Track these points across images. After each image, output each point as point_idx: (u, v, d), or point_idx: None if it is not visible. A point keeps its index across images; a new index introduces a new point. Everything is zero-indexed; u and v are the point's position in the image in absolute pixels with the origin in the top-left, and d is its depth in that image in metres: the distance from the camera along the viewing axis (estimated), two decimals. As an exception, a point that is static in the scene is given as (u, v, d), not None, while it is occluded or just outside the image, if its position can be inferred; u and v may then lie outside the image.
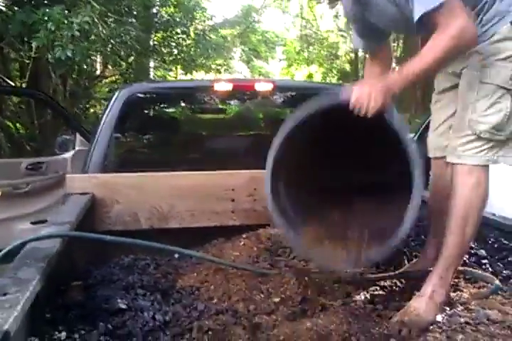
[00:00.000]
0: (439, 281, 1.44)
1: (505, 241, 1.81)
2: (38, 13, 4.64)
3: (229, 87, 3.01)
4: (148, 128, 3.44)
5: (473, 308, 1.31)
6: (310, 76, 20.92)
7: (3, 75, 8.17)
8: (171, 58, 10.43)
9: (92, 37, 5.30)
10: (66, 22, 4.54)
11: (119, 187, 2.34)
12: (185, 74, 15.12)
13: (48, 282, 1.25)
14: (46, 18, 4.59)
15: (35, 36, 4.77)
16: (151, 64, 12.40)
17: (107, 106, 2.79)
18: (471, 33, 1.46)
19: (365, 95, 1.44)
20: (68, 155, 3.90)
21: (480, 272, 1.54)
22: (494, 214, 1.95)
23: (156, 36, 9.90)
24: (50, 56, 5.05)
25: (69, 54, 4.32)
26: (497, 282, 1.42)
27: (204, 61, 12.29)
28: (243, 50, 20.61)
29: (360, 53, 20.60)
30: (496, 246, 1.79)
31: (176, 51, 9.98)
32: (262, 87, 3.06)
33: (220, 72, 13.86)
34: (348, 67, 20.48)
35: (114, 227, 2.27)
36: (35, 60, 7.64)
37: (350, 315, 1.35)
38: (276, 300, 1.50)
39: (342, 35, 21.15)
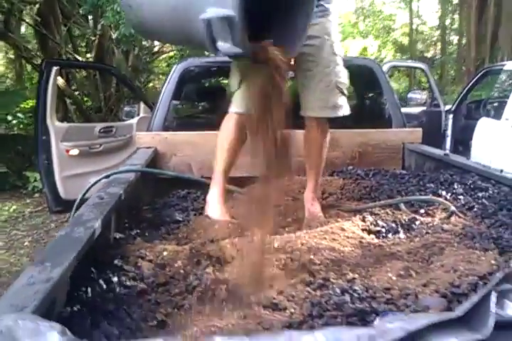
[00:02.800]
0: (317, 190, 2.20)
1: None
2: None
3: None
4: (200, 96, 3.99)
5: (435, 224, 1.77)
6: (364, 49, 20.83)
7: (72, 51, 8.93)
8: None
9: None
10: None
11: (177, 143, 2.90)
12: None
13: (127, 201, 1.81)
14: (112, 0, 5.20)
15: (104, 16, 5.40)
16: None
17: (166, 78, 3.35)
18: None
19: None
20: (133, 121, 4.54)
21: (440, 199, 1.98)
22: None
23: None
24: (115, 33, 5.66)
25: (132, 31, 4.88)
26: (452, 207, 1.87)
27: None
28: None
29: (414, 25, 20.54)
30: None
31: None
32: None
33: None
34: (404, 39, 20.33)
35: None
36: (100, 37, 8.34)
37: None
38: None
39: (399, 7, 20.95)
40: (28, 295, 0.93)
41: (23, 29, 10.54)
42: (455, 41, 17.36)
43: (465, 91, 5.46)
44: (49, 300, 0.95)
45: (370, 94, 4.30)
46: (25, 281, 1.03)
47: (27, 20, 8.70)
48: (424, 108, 5.57)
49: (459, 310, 0.76)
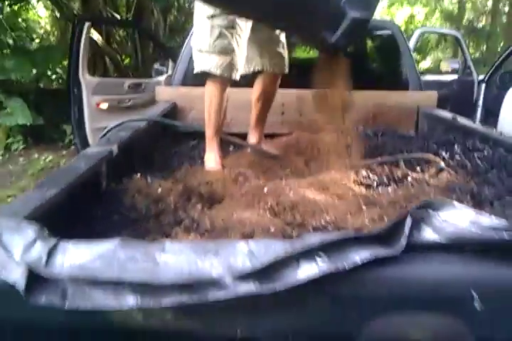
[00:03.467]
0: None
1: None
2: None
3: None
4: None
5: (423, 179, 1.85)
6: (412, 17, 20.20)
7: (113, 10, 9.05)
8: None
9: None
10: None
11: (195, 98, 3.01)
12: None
13: (134, 145, 1.95)
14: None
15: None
16: None
17: (188, 35, 3.43)
18: None
19: None
20: (162, 78, 4.66)
21: (431, 156, 2.05)
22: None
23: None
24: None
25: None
26: (442, 164, 1.94)
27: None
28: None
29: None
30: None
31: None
32: None
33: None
34: (454, 7, 19.58)
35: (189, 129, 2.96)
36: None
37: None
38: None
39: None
40: (21, 206, 1.08)
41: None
42: (506, 10, 16.63)
43: (499, 61, 5.33)
44: (41, 211, 1.09)
45: (389, 57, 4.25)
46: (22, 198, 1.18)
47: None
48: (457, 77, 5.49)
49: (376, 230, 0.86)
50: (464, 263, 0.86)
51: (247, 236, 1.35)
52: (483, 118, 5.38)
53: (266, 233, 1.37)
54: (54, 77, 7.10)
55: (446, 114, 2.70)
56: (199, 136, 2.48)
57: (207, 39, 2.16)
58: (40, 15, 11.77)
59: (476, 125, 2.35)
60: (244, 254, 0.83)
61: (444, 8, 19.83)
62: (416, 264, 0.85)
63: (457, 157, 2.10)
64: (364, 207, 1.63)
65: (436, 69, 6.15)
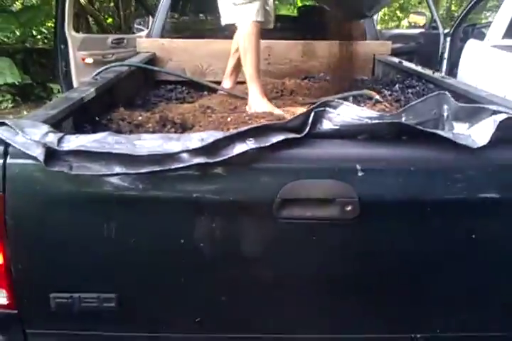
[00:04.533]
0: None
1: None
2: None
3: None
4: (194, 8, 4.35)
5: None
6: None
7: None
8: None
9: None
10: None
11: (173, 49, 3.32)
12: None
13: (115, 86, 2.28)
14: None
15: None
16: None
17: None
18: None
19: None
20: (143, 33, 4.92)
21: (368, 92, 2.41)
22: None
23: None
24: None
25: None
26: (377, 97, 2.30)
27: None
28: None
29: None
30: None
31: None
32: None
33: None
34: None
35: (169, 77, 3.27)
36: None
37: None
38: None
39: None
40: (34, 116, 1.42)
41: None
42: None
43: (463, 14, 5.61)
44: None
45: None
46: (33, 114, 1.52)
47: None
48: (423, 30, 5.78)
49: (288, 120, 1.23)
50: (350, 144, 1.23)
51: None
52: (449, 70, 5.71)
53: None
54: (39, 37, 7.27)
55: (395, 60, 3.04)
56: (177, 81, 2.80)
57: None
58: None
59: (417, 67, 2.70)
60: (197, 139, 1.19)
61: None
62: (315, 145, 1.22)
63: (395, 93, 2.46)
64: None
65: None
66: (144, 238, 1.23)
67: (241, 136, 1.18)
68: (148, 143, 1.18)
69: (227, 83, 2.96)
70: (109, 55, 4.65)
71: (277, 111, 2.26)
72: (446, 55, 5.76)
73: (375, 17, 5.61)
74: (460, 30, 5.60)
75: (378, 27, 16.94)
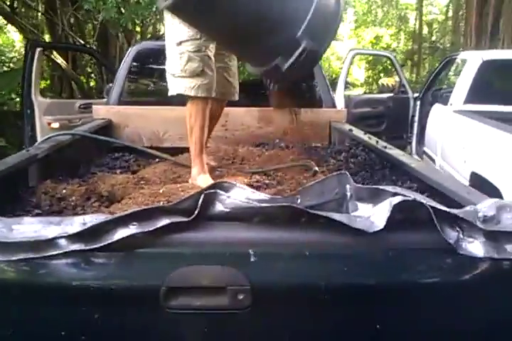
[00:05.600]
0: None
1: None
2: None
3: None
4: (151, 74, 4.42)
5: (299, 181, 2.18)
6: (377, 38, 20.92)
7: (79, 36, 9.40)
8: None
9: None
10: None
11: (129, 116, 3.33)
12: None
13: (55, 157, 2.25)
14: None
15: (84, 1, 5.81)
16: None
17: (123, 58, 3.77)
18: None
19: None
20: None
21: (309, 163, 2.39)
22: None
23: None
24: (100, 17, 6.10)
25: (112, 15, 5.24)
26: (316, 168, 2.27)
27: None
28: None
29: (432, 16, 20.57)
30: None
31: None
32: None
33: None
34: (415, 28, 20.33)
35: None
36: (102, 22, 8.75)
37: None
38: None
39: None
40: None
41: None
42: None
43: (431, 78, 5.77)
44: None
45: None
46: None
47: (33, 4, 9.14)
48: (392, 95, 5.91)
49: (175, 202, 1.17)
50: (242, 227, 1.17)
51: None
52: (419, 133, 5.79)
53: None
54: (18, 99, 7.36)
55: (346, 127, 3.05)
56: (122, 149, 2.78)
57: (177, 64, 2.27)
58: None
59: (364, 136, 2.69)
60: (79, 223, 1.13)
61: (410, 29, 20.58)
62: (205, 228, 1.16)
63: (338, 163, 2.44)
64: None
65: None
66: (19, 330, 1.14)
67: (124, 220, 1.13)
68: (26, 228, 1.12)
69: None
70: (76, 119, 4.68)
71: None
72: (416, 118, 5.87)
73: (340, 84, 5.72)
74: (429, 94, 5.73)
75: (361, 90, 17.45)
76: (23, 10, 9.09)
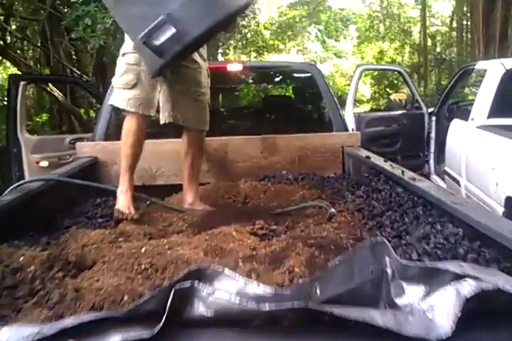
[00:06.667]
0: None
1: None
2: (78, 9, 5.40)
3: None
4: None
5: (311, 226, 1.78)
6: (380, 52, 20.66)
7: (75, 65, 9.17)
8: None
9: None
10: (100, 16, 5.23)
11: (117, 152, 2.96)
12: (257, 56, 15.79)
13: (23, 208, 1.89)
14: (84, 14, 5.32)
15: (74, 30, 5.55)
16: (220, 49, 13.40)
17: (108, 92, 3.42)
18: None
19: None
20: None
21: (322, 204, 1.99)
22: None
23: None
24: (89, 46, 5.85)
25: (101, 43, 4.97)
26: (332, 209, 1.87)
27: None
28: (319, 30, 20.81)
29: (434, 28, 20.33)
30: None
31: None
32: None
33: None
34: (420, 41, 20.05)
35: (114, 183, 2.89)
36: (98, 51, 8.53)
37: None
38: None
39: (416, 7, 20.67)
40: None
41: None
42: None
43: (446, 92, 5.38)
44: None
45: (311, 99, 4.24)
46: None
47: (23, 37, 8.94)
48: (405, 111, 5.52)
49: (133, 307, 0.78)
50: (232, 337, 0.78)
51: (97, 307, 1.26)
52: (438, 151, 5.37)
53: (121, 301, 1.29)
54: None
55: (363, 154, 2.66)
56: (108, 192, 2.41)
57: (117, 75, 2.24)
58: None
59: (384, 164, 2.30)
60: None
61: (414, 42, 20.32)
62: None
63: (358, 199, 2.04)
64: (240, 263, 1.55)
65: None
66: None
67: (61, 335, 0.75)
68: None
69: (188, 198, 2.50)
70: (67, 156, 4.32)
71: (129, 211, 2.12)
72: (433, 135, 5.48)
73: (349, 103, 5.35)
74: (445, 109, 5.34)
75: (368, 106, 17.06)
76: (16, 43, 8.89)
